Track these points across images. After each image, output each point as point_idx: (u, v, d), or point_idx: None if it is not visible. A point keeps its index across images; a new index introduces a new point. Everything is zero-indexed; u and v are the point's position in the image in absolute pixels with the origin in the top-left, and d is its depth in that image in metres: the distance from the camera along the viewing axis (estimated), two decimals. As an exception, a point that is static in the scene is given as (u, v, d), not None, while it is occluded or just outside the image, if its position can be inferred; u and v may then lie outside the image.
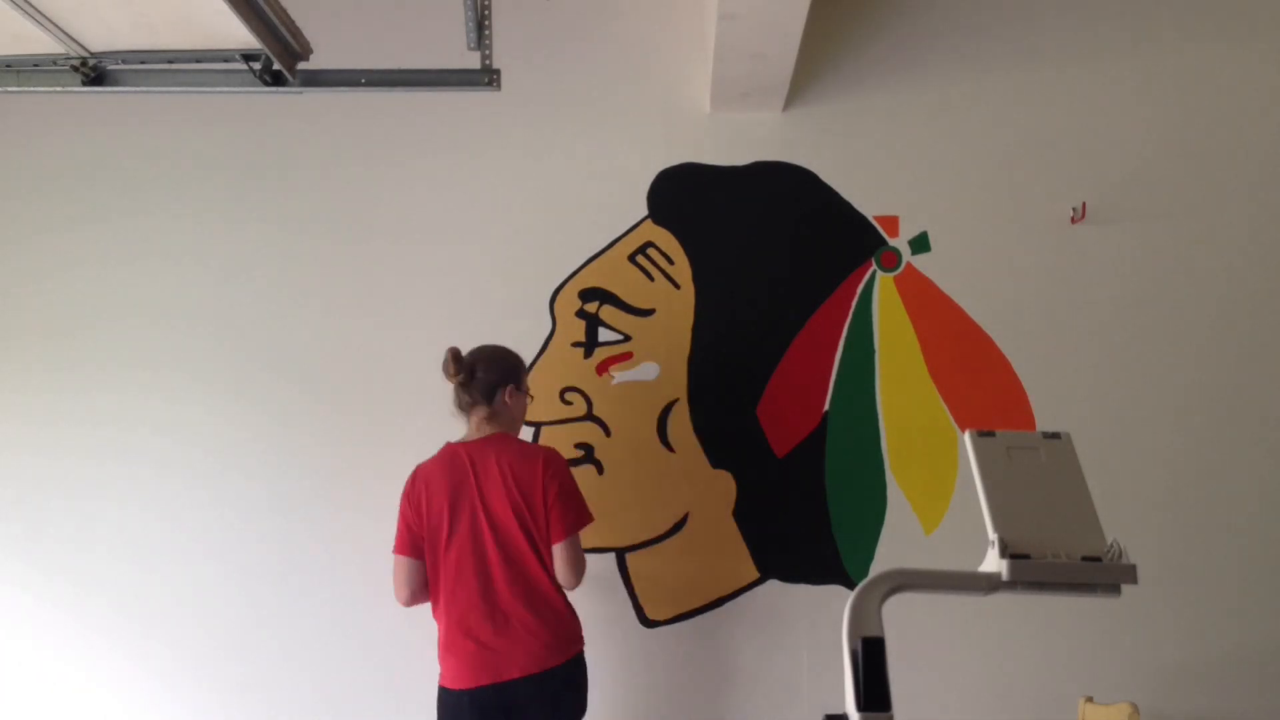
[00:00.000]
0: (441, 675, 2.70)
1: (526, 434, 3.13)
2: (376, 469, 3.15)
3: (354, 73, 2.22)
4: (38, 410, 3.19)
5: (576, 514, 2.72)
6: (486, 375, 2.75)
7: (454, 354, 2.73)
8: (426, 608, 2.76)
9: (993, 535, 1.61)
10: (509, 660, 2.63)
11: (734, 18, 2.70)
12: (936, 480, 3.14)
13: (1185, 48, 3.25)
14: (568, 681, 2.68)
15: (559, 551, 2.67)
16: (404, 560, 2.72)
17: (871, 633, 1.50)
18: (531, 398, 2.90)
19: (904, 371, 3.17)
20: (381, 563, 3.12)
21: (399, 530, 2.73)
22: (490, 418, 2.75)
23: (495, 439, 2.73)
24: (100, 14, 1.85)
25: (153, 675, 3.13)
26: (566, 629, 2.70)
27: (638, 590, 3.13)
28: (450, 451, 2.74)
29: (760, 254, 3.21)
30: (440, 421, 3.13)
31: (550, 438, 3.15)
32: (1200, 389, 3.15)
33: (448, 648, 2.68)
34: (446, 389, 3.12)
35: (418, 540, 2.71)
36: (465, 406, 2.77)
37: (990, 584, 1.59)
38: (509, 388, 2.77)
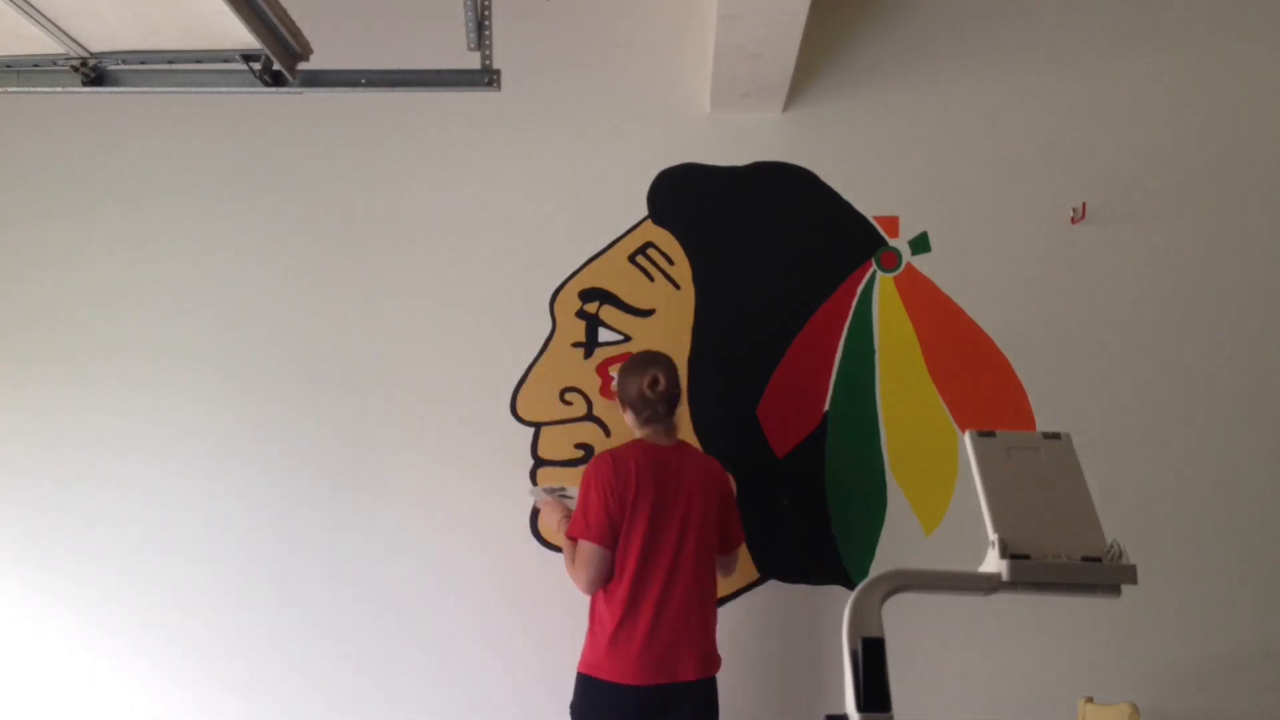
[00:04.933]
0: (603, 669, 2.67)
1: (526, 434, 3.14)
2: (378, 466, 3.15)
3: (354, 73, 2.22)
4: (36, 407, 3.19)
5: (741, 523, 2.92)
6: (678, 389, 2.84)
7: (669, 376, 2.80)
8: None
9: (993, 535, 1.61)
10: (684, 661, 2.69)
11: (734, 18, 2.70)
12: (936, 480, 3.14)
13: (1185, 48, 3.25)
14: (713, 695, 2.76)
15: (729, 559, 2.90)
16: (600, 550, 2.69)
17: (871, 633, 1.50)
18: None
19: (904, 371, 3.17)
20: (383, 563, 3.13)
21: (596, 518, 2.69)
22: (675, 426, 2.86)
23: (687, 448, 2.86)
24: (100, 14, 1.85)
25: (155, 672, 3.13)
26: (714, 641, 2.81)
27: (638, 590, 3.12)
28: (650, 449, 2.77)
29: (760, 254, 3.21)
30: (442, 421, 3.14)
31: (550, 438, 3.15)
32: (1200, 389, 3.15)
33: (625, 643, 2.67)
34: (448, 389, 3.14)
35: (616, 530, 2.70)
36: (661, 417, 2.81)
37: (990, 584, 1.59)
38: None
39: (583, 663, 2.73)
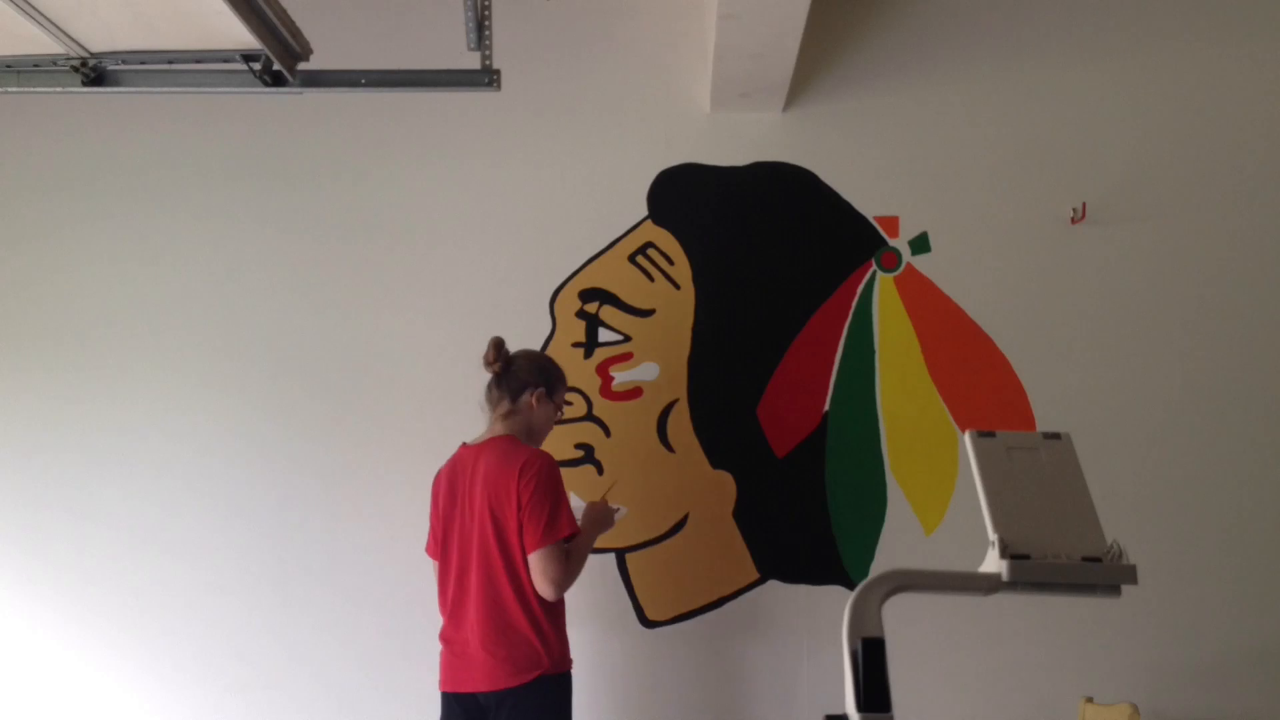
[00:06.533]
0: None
1: (526, 434, 3.13)
2: (377, 469, 3.15)
3: (354, 73, 2.22)
4: (36, 409, 3.19)
5: (550, 524, 2.56)
6: (521, 373, 2.73)
7: (496, 342, 2.73)
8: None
9: (993, 535, 1.61)
10: (469, 672, 2.62)
11: (734, 18, 2.70)
12: (936, 480, 3.14)
13: (1185, 48, 3.25)
14: (525, 705, 2.56)
15: (531, 562, 2.56)
16: (432, 562, 2.79)
17: (871, 633, 1.50)
18: (561, 413, 2.87)
19: (904, 371, 3.17)
20: (382, 562, 3.14)
21: (430, 529, 2.79)
22: (507, 415, 2.71)
23: (496, 442, 2.67)
24: (100, 14, 1.85)
25: (154, 675, 3.13)
26: (528, 650, 2.57)
27: (638, 590, 3.13)
28: (459, 454, 2.75)
29: (760, 254, 3.21)
30: (441, 421, 3.13)
31: (550, 438, 3.15)
32: (1200, 389, 3.15)
33: (443, 649, 2.71)
34: (446, 389, 3.14)
35: (436, 541, 2.75)
36: (492, 401, 2.74)
37: (990, 584, 1.60)
38: (539, 391, 2.73)
39: None
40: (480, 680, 2.59)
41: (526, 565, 2.58)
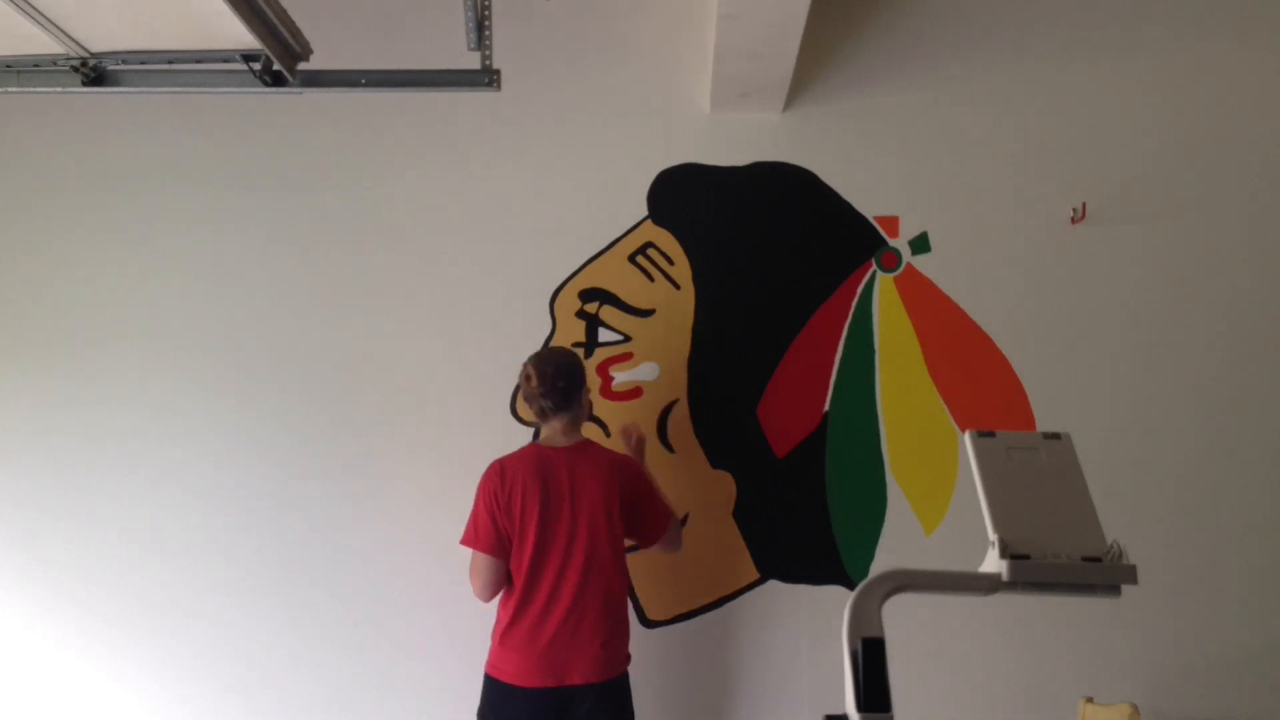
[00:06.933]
0: (499, 669, 2.74)
1: (526, 435, 3.14)
2: (378, 471, 3.15)
3: (354, 73, 2.22)
4: (36, 406, 3.18)
5: (665, 507, 2.90)
6: (568, 384, 2.80)
7: (539, 372, 2.79)
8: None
9: (993, 536, 1.61)
10: (575, 665, 2.69)
11: (734, 18, 2.70)
12: (936, 480, 3.14)
13: (1185, 47, 3.25)
14: (620, 693, 2.76)
15: (670, 530, 2.89)
16: (489, 560, 2.76)
17: (871, 633, 1.50)
18: (589, 391, 2.96)
19: (904, 371, 3.17)
20: (382, 564, 3.14)
21: (484, 528, 2.76)
22: (574, 423, 2.83)
23: (586, 446, 2.83)
24: (100, 14, 1.85)
25: (154, 676, 3.13)
26: (625, 643, 2.80)
27: (638, 590, 3.13)
28: (539, 453, 2.80)
29: (760, 254, 3.21)
30: (441, 422, 3.14)
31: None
32: (1200, 389, 3.15)
33: (514, 645, 2.72)
34: (447, 390, 3.14)
35: (505, 540, 2.75)
36: (548, 413, 2.81)
37: (990, 584, 1.60)
38: (584, 391, 2.87)
39: (487, 662, 2.79)
40: (590, 671, 2.70)
41: (623, 561, 2.81)
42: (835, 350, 3.18)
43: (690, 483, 3.15)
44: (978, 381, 3.17)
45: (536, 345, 3.16)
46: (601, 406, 3.17)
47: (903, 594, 1.57)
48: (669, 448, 3.17)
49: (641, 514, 2.83)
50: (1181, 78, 3.24)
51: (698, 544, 3.14)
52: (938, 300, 3.19)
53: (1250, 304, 3.18)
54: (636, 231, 3.22)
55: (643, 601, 3.13)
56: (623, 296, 3.21)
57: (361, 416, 3.17)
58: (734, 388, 3.18)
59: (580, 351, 3.17)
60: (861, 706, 1.46)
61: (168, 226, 3.24)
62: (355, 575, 3.14)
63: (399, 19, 3.23)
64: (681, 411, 3.17)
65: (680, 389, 3.18)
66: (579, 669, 2.70)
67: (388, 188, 3.24)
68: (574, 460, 2.78)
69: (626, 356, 3.19)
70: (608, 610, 2.74)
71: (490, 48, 2.24)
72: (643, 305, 3.21)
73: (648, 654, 3.10)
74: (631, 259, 3.22)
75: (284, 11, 1.89)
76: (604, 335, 3.20)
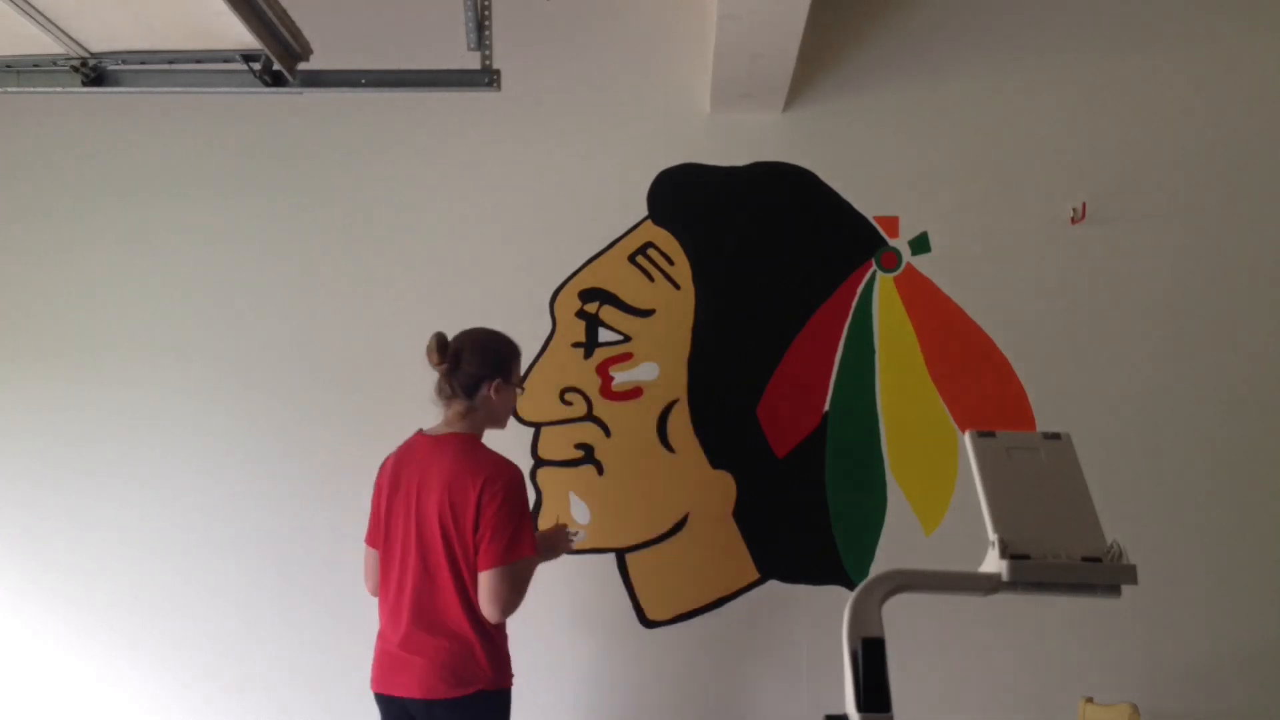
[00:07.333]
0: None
1: (526, 435, 3.13)
2: (377, 468, 3.15)
3: (354, 73, 2.22)
4: (35, 407, 3.18)
5: (508, 544, 2.42)
6: (470, 366, 2.54)
7: (439, 340, 2.54)
8: None
9: (993, 536, 1.61)
10: (404, 677, 2.48)
11: (734, 18, 2.70)
12: (936, 480, 3.14)
13: (1185, 47, 3.25)
14: (467, 716, 2.43)
15: (480, 581, 2.42)
16: (368, 550, 2.66)
17: (871, 633, 1.50)
18: (522, 390, 2.72)
19: (904, 371, 3.17)
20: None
21: (370, 516, 2.66)
22: (467, 413, 2.55)
23: (457, 440, 2.52)
24: (100, 14, 1.85)
25: (152, 674, 3.13)
26: (468, 662, 2.43)
27: (638, 590, 3.13)
28: (413, 443, 2.62)
29: (760, 254, 3.21)
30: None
31: (550, 438, 3.15)
32: (1200, 388, 3.15)
33: (376, 647, 2.60)
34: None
35: (378, 531, 2.61)
36: (446, 397, 2.57)
37: (990, 584, 1.60)
38: (495, 382, 2.56)
39: None
40: (414, 686, 2.44)
41: (475, 578, 2.44)
42: (835, 350, 3.18)
43: (690, 483, 3.15)
44: (978, 381, 3.17)
45: (536, 345, 3.16)
46: (602, 407, 3.16)
47: (903, 594, 1.57)
48: (669, 448, 3.17)
49: (479, 539, 2.42)
50: (1182, 77, 3.24)
51: (698, 544, 3.14)
52: (938, 300, 3.19)
53: (1250, 303, 3.18)
54: (636, 231, 3.22)
55: (642, 601, 3.13)
56: (623, 296, 3.21)
57: (361, 417, 3.17)
58: (734, 388, 3.18)
59: (580, 351, 3.18)
60: (861, 706, 1.46)
61: (167, 227, 3.23)
62: (354, 576, 3.13)
63: (399, 19, 3.23)
64: (681, 411, 3.17)
65: (680, 389, 3.18)
66: (404, 682, 2.46)
67: (387, 187, 3.24)
68: (437, 453, 2.51)
69: (626, 356, 3.19)
70: (435, 619, 2.45)
71: (490, 48, 2.24)
72: (643, 305, 3.21)
73: (647, 654, 3.11)
74: (631, 259, 3.22)
75: (284, 11, 1.89)
76: (604, 335, 3.20)
